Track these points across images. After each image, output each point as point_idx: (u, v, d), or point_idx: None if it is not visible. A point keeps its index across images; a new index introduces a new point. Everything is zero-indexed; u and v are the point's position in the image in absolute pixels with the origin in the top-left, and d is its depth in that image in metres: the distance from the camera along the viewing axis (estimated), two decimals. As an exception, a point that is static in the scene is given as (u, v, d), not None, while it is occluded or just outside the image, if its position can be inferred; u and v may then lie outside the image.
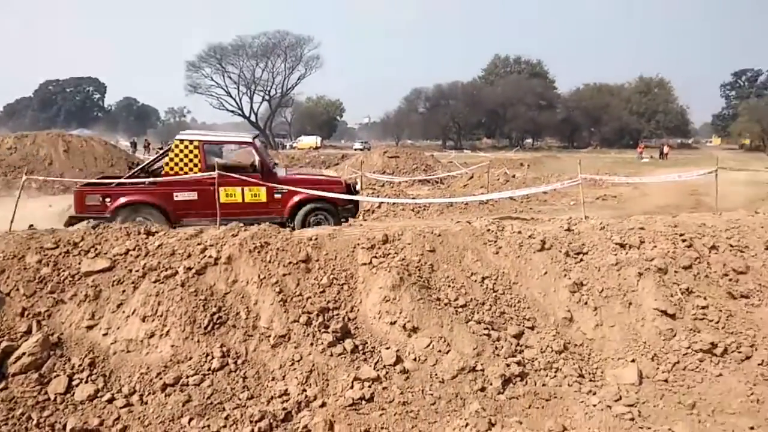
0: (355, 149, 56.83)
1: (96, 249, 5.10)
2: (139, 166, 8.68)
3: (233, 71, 62.31)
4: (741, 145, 65.07)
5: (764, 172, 10.31)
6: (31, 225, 6.22)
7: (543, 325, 5.00)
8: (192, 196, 7.37)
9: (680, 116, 73.16)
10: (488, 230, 5.87)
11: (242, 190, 7.62)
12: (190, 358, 4.35)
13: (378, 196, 12.26)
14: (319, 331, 4.60)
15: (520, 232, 5.86)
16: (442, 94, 77.67)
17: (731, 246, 5.92)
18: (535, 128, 75.12)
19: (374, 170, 22.48)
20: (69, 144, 20.27)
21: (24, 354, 4.18)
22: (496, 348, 4.65)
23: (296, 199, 7.81)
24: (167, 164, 7.47)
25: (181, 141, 7.54)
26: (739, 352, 4.81)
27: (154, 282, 4.76)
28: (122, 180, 7.77)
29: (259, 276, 4.97)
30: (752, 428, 3.97)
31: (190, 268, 4.89)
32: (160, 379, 4.20)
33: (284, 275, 5.04)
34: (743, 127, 63.73)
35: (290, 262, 5.16)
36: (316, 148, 60.39)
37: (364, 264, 5.26)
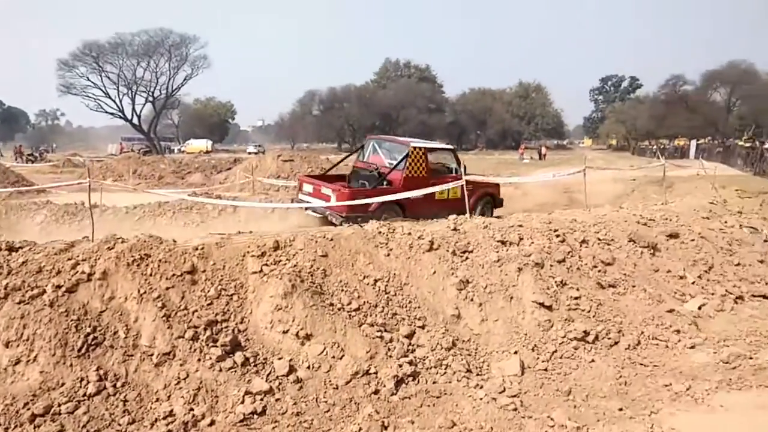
0: (249, 153, 55.67)
1: (-53, 270, 4.61)
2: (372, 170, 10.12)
3: (112, 71, 58.13)
4: (609, 146, 72.65)
5: (628, 170, 11.53)
6: None
7: (433, 324, 5.26)
8: (421, 194, 8.60)
9: (556, 119, 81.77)
10: (380, 233, 6.05)
11: (449, 189, 9.36)
12: (62, 384, 4.09)
13: (271, 201, 12.07)
14: (207, 345, 4.50)
15: (410, 234, 6.10)
16: (335, 97, 78.95)
17: (599, 239, 6.58)
18: (426, 131, 78.49)
19: (268, 174, 21.99)
20: None
21: None
22: (389, 349, 4.82)
23: (478, 194, 9.93)
24: (408, 168, 9.19)
25: (415, 149, 9.37)
26: (609, 338, 5.38)
27: (19, 303, 4.40)
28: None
29: (139, 291, 4.76)
30: (621, 409, 4.42)
31: (59, 286, 4.57)
32: (28, 409, 3.90)
33: (167, 289, 4.86)
34: (610, 128, 72.10)
35: (174, 275, 4.99)
36: (207, 151, 58.62)
37: (255, 272, 5.21)
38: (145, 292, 4.73)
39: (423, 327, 5.17)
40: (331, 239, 5.83)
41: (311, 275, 5.32)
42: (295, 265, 5.35)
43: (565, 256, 6.19)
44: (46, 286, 4.58)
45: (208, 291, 4.95)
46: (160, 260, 5.04)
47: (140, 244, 5.15)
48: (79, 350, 4.25)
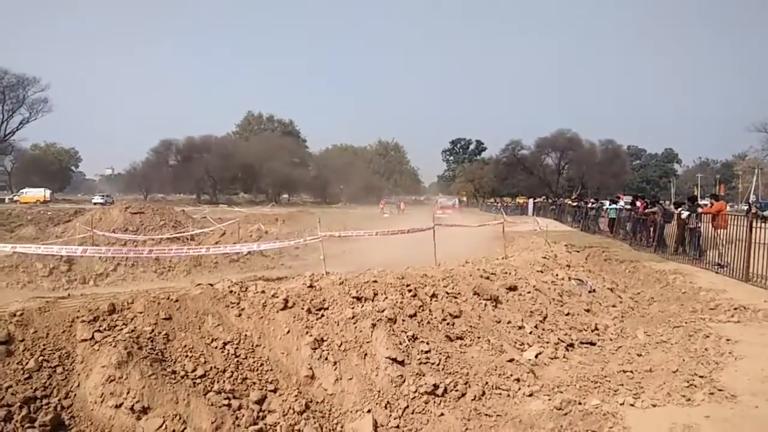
0: (95, 203, 52.33)
1: None
2: None
3: None
4: (461, 201, 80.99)
5: (473, 227, 12.71)
6: None
7: (286, 387, 5.28)
8: None
9: (413, 176, 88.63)
10: (231, 292, 6.02)
11: None
12: None
13: (114, 258, 11.30)
14: (23, 426, 4.10)
15: (263, 292, 6.14)
16: (194, 147, 78.36)
17: (447, 293, 7.14)
18: (289, 184, 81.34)
19: (114, 228, 20.53)
20: None
21: None
22: (237, 417, 4.74)
23: None
24: None
25: None
26: (456, 390, 5.77)
27: None
28: None
29: (-63, 367, 4.21)
30: (464, 464, 4.75)
31: None
32: None
33: (-25, 363, 4.36)
34: (460, 186, 79.28)
35: (-16, 346, 4.49)
36: (45, 201, 53.66)
37: (85, 340, 4.89)
38: (-56, 369, 4.19)
39: (275, 390, 5.18)
40: (176, 300, 5.67)
41: (151, 341, 5.11)
42: (132, 330, 5.11)
43: (416, 310, 6.61)
44: None
45: (27, 363, 4.54)
46: (-34, 331, 4.52)
47: (-59, 313, 4.57)
48: None
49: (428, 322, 6.64)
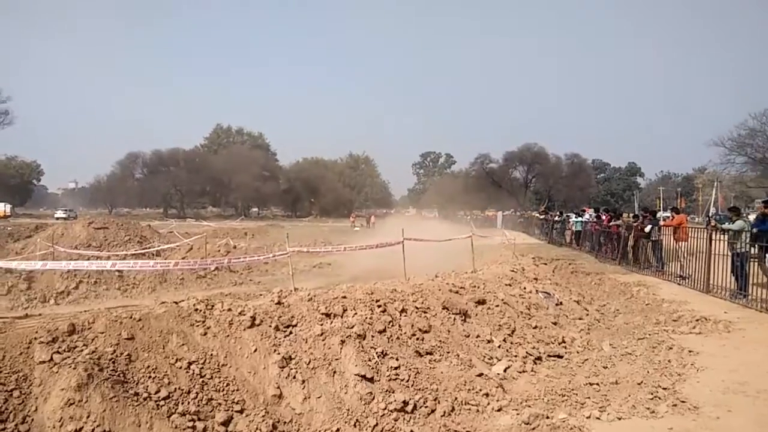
0: (57, 218, 51.41)
1: None
2: None
3: None
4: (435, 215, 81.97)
5: (442, 241, 12.85)
6: None
7: (252, 407, 5.24)
8: None
9: (384, 189, 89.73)
10: (196, 310, 5.96)
11: None
12: None
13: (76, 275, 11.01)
14: (-25, 455, 3.95)
15: (230, 310, 6.10)
16: (161, 161, 77.80)
17: (416, 308, 7.20)
18: (259, 197, 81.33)
19: (77, 244, 20.08)
20: None
21: None
22: (202, 439, 4.67)
23: None
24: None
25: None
26: (426, 407, 5.80)
27: None
28: None
29: None
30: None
31: None
32: None
33: (-77, 389, 4.20)
34: (431, 199, 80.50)
35: (-66, 370, 4.34)
36: (4, 216, 52.35)
37: (43, 362, 4.77)
38: None
39: (241, 411, 5.13)
40: (139, 319, 5.59)
41: (113, 362, 5.01)
42: (93, 351, 5.00)
43: (386, 326, 6.64)
44: None
45: (-21, 388, 4.38)
46: None
47: None
48: None
49: (398, 338, 6.68)
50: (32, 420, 4.40)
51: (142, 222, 30.07)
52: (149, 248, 20.40)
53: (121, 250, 20.15)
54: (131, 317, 5.57)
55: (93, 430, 4.36)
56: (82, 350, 4.99)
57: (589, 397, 5.88)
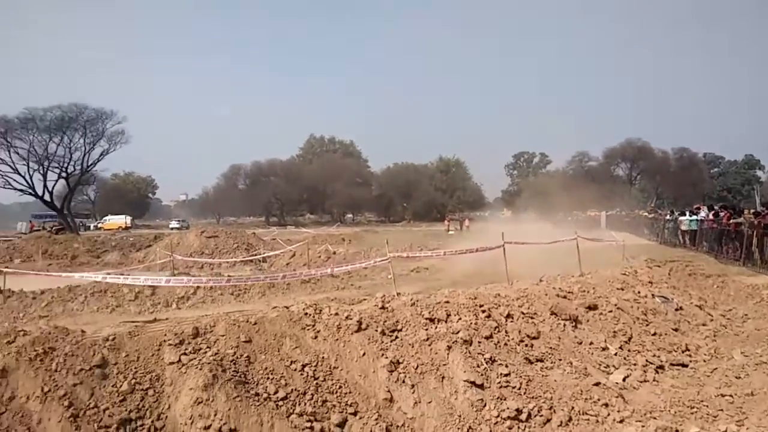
0: (172, 228, 56.50)
1: None
2: None
3: (21, 146, 56.55)
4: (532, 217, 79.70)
5: (545, 243, 12.45)
6: None
7: (365, 409, 5.34)
8: None
9: (476, 192, 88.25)
10: (306, 314, 6.17)
11: None
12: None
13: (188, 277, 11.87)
14: (120, 447, 4.33)
15: (337, 314, 6.26)
16: (261, 171, 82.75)
17: (523, 313, 7.03)
18: (353, 204, 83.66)
19: (191, 252, 21.86)
20: None
21: None
22: (318, 441, 4.82)
23: None
24: None
25: None
26: (541, 416, 5.64)
27: None
28: None
29: (42, 389, 4.56)
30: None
31: (-52, 390, 4.29)
32: None
33: (75, 385, 4.69)
34: (527, 200, 78.23)
35: (82, 369, 4.84)
36: (126, 228, 58.48)
37: (172, 363, 5.15)
38: (49, 390, 4.54)
39: (355, 414, 5.25)
40: (255, 323, 5.88)
41: (234, 363, 5.31)
42: (216, 353, 5.33)
43: (492, 331, 6.54)
44: (-67, 389, 4.29)
45: (121, 386, 4.82)
46: (66, 354, 4.89)
47: (44, 337, 4.98)
48: (-30, 463, 3.97)
49: (505, 344, 6.55)
50: (166, 417, 4.76)
51: (248, 230, 31.88)
52: (255, 255, 21.57)
53: (230, 256, 21.57)
54: (248, 321, 5.88)
55: (220, 428, 4.65)
56: (206, 352, 5.33)
57: (722, 410, 5.45)
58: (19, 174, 58.24)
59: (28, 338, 4.95)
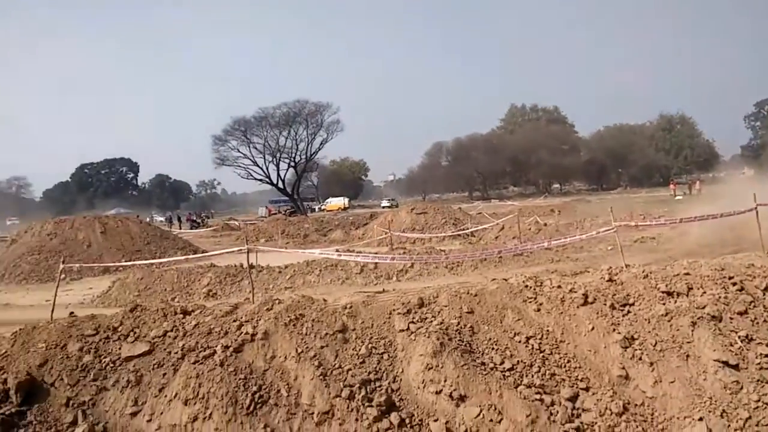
0: (383, 207, 61.20)
1: (135, 333, 5.46)
2: None
3: (258, 141, 68.43)
4: None
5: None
6: (72, 312, 6.60)
7: (598, 386, 5.10)
8: None
9: (708, 150, 76.32)
10: (526, 286, 6.07)
11: None
12: (234, 441, 4.55)
13: (409, 255, 12.55)
14: (363, 405, 4.78)
15: (560, 287, 6.04)
16: (462, 147, 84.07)
17: (786, 287, 5.97)
18: (560, 173, 79.59)
19: (403, 228, 23.27)
20: (105, 226, 22.20)
21: (69, 446, 4.44)
22: (551, 414, 4.75)
23: None
24: None
25: None
26: (812, 403, 4.79)
27: (194, 363, 5.05)
28: None
29: (297, 350, 5.22)
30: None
31: (227, 347, 5.18)
32: (206, 466, 4.40)
33: (322, 347, 5.28)
34: None
35: (327, 333, 5.41)
36: (344, 208, 65.51)
37: (402, 330, 5.48)
38: (302, 351, 5.19)
39: (587, 389, 5.04)
40: (476, 295, 5.96)
41: (459, 333, 5.46)
42: (441, 323, 5.53)
43: (746, 306, 5.70)
44: (216, 346, 5.22)
45: (360, 349, 5.29)
46: (313, 320, 5.52)
47: (295, 305, 5.68)
48: (248, 408, 4.74)
49: (765, 321, 5.65)
50: (401, 380, 5.11)
51: (453, 205, 32.64)
52: (464, 229, 21.98)
53: (439, 231, 22.36)
54: (468, 293, 6.00)
55: (451, 393, 4.84)
56: (431, 321, 5.58)
57: None
58: (258, 166, 68.51)
59: (283, 306, 5.71)
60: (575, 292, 5.96)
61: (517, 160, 79.66)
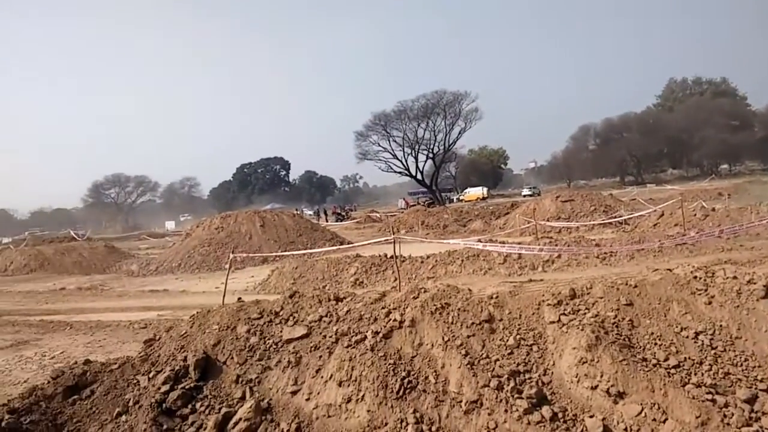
0: (524, 195, 59.79)
1: (294, 317, 5.91)
2: None
3: (397, 135, 70.91)
4: None
5: None
6: (240, 298, 7.32)
7: (781, 388, 4.52)
8: None
9: None
10: (695, 277, 5.56)
11: None
12: (386, 424, 4.75)
13: (556, 245, 12.06)
14: (512, 396, 4.71)
15: (735, 278, 5.45)
16: (612, 128, 78.83)
17: None
18: (729, 152, 71.22)
19: (548, 217, 22.53)
20: (264, 219, 24.56)
21: (240, 419, 4.94)
22: (725, 416, 4.32)
23: None
24: None
25: None
26: None
27: (347, 347, 5.34)
28: None
29: (443, 338, 5.29)
30: None
31: (377, 333, 5.40)
32: (361, 446, 4.64)
33: (468, 337, 5.29)
34: None
35: (473, 323, 5.41)
36: (483, 198, 65.03)
37: (552, 322, 5.30)
38: (448, 340, 5.24)
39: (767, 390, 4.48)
40: (635, 286, 5.59)
41: (616, 326, 5.17)
42: (596, 315, 5.27)
43: None
44: (367, 332, 5.46)
45: (507, 340, 5.22)
46: (459, 309, 5.55)
47: (441, 294, 5.75)
48: (398, 392, 4.91)
49: None
50: (552, 373, 4.96)
51: (603, 192, 30.81)
52: (616, 217, 20.60)
53: (588, 219, 21.20)
54: (626, 284, 5.64)
55: (608, 389, 4.59)
56: (585, 313, 5.33)
57: None
58: (397, 158, 70.44)
59: (429, 294, 5.81)
60: (754, 283, 5.34)
61: (677, 140, 72.39)
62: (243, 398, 5.25)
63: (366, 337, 5.42)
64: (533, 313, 5.51)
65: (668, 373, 4.68)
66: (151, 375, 5.64)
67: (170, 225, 78.30)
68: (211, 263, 20.55)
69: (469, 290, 6.03)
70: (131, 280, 19.42)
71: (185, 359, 5.70)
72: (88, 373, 5.68)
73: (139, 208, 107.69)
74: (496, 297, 5.72)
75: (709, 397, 4.42)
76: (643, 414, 4.40)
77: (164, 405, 5.20)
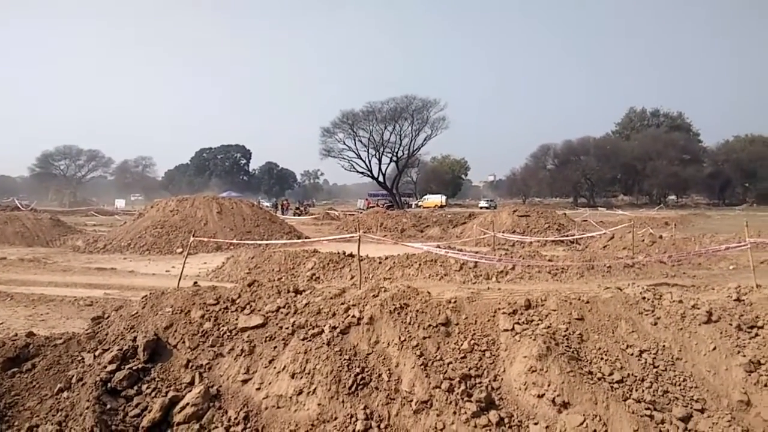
0: (481, 207, 61.08)
1: (251, 306, 5.93)
2: None
3: (363, 135, 71.36)
4: None
5: None
6: (196, 282, 7.26)
7: (715, 408, 4.89)
8: None
9: None
10: (643, 298, 5.90)
11: None
12: (335, 418, 4.85)
13: (512, 257, 12.41)
14: (462, 399, 4.89)
15: (681, 302, 5.81)
16: (571, 150, 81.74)
17: None
18: (678, 184, 74.66)
19: (504, 229, 23.11)
20: (221, 206, 24.25)
21: (188, 404, 4.95)
22: (661, 431, 4.60)
23: None
24: None
25: None
26: None
27: (303, 339, 5.41)
28: None
29: (399, 338, 5.43)
30: None
31: (335, 327, 5.50)
32: (308, 438, 4.71)
33: (424, 338, 5.45)
34: None
35: (430, 325, 5.58)
36: (442, 206, 65.91)
37: (506, 330, 5.52)
38: (405, 340, 5.39)
39: (702, 411, 4.84)
40: (587, 302, 5.88)
41: (566, 339, 5.42)
42: (548, 327, 5.52)
43: None
44: (324, 326, 5.56)
45: (462, 344, 5.41)
46: (417, 310, 5.71)
47: (401, 294, 5.89)
48: (350, 388, 5.02)
49: None
50: (502, 379, 5.17)
51: (557, 210, 31.88)
52: (568, 236, 21.33)
53: (541, 236, 21.91)
54: (579, 299, 5.92)
55: (554, 398, 4.83)
56: (538, 324, 5.58)
57: None
58: (361, 159, 70.62)
59: (389, 294, 5.94)
60: (698, 308, 5.72)
61: (631, 168, 75.49)
62: (192, 383, 5.24)
63: (323, 331, 5.51)
64: (489, 320, 5.71)
65: (611, 387, 4.96)
66: (97, 353, 5.56)
67: (120, 203, 75.86)
68: (162, 246, 20.13)
69: (429, 293, 6.19)
70: (77, 256, 18.81)
71: (134, 339, 5.65)
72: (30, 346, 5.56)
73: (89, 183, 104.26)
74: (455, 302, 5.90)
75: (648, 412, 4.71)
76: (584, 425, 4.64)
77: (109, 384, 5.15)
